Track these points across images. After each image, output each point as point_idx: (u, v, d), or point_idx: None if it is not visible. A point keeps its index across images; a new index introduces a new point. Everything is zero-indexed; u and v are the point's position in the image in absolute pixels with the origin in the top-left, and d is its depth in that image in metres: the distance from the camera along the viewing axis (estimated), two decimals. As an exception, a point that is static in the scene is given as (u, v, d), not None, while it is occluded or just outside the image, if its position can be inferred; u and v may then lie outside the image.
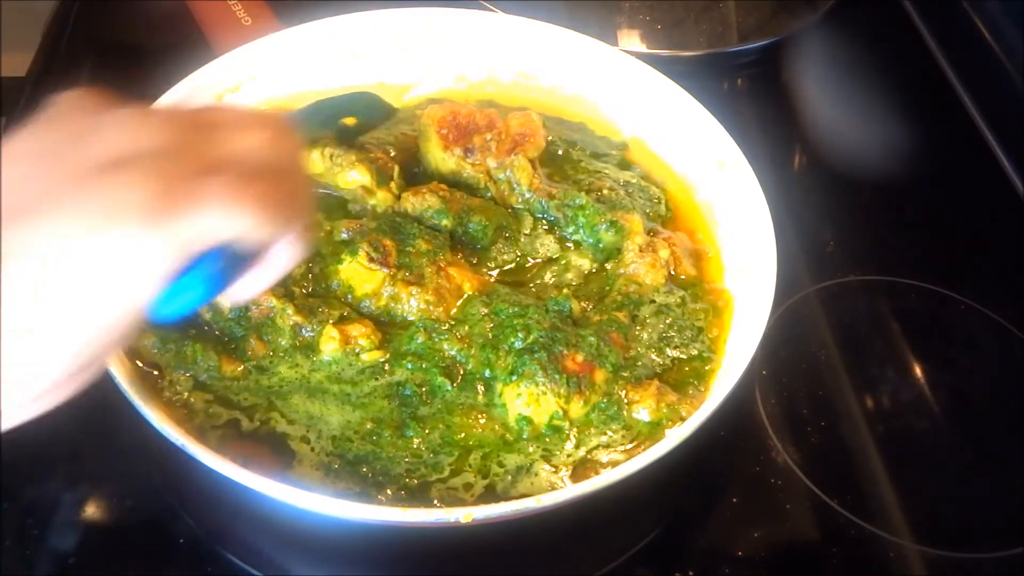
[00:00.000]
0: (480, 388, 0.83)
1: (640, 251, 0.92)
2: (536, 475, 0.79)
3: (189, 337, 0.83)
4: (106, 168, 0.50)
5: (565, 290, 0.90)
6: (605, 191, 0.98)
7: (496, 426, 0.81)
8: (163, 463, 0.82)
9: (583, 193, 0.96)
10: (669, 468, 0.75)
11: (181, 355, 0.81)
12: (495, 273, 0.93)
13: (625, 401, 0.82)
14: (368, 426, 0.80)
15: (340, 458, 0.79)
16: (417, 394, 0.82)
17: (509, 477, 0.79)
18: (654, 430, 0.81)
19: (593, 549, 0.85)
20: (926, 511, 0.89)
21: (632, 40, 1.29)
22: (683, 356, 0.87)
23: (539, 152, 0.98)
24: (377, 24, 1.09)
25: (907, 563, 0.85)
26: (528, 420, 0.80)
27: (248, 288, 0.60)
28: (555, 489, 0.77)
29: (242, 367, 0.83)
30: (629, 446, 0.81)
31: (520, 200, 0.96)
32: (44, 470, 0.86)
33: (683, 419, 0.81)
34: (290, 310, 0.83)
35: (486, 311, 0.85)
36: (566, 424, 0.81)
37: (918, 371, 1.01)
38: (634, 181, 1.02)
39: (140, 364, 0.82)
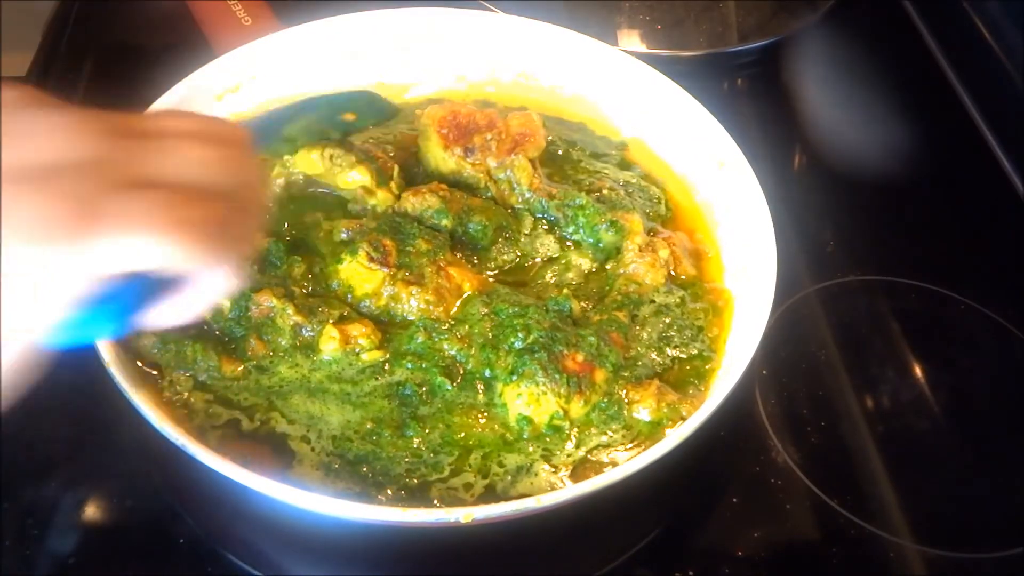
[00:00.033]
0: (480, 388, 0.83)
1: (640, 251, 0.92)
2: (536, 475, 0.79)
3: (189, 337, 0.82)
4: (23, 177, 0.45)
5: (565, 290, 0.90)
6: (605, 191, 0.98)
7: (496, 426, 0.81)
8: (163, 463, 0.82)
9: (583, 193, 0.96)
10: (669, 468, 0.75)
11: (181, 355, 0.81)
12: (495, 273, 0.93)
13: (625, 401, 0.82)
14: (368, 426, 0.80)
15: (340, 458, 0.79)
16: (417, 394, 0.82)
17: (509, 477, 0.79)
18: (654, 430, 0.81)
19: (593, 549, 0.85)
20: (926, 511, 0.89)
21: (632, 40, 1.29)
22: (683, 356, 0.87)
23: (539, 152, 0.98)
24: (377, 24, 1.09)
25: (907, 563, 0.85)
26: (528, 420, 0.80)
27: (163, 318, 0.55)
28: (555, 489, 0.77)
29: (242, 367, 0.83)
30: (629, 446, 0.81)
31: (520, 200, 0.96)
32: (44, 470, 0.86)
33: (683, 419, 0.81)
34: (290, 310, 0.83)
35: (486, 311, 0.85)
36: (566, 424, 0.81)
37: (918, 371, 1.01)
38: (634, 181, 1.02)
39: (140, 364, 0.82)
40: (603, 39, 1.09)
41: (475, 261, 0.93)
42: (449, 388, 0.82)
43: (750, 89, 1.31)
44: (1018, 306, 1.03)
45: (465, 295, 0.88)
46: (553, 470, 0.79)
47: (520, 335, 0.82)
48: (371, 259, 0.86)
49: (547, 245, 0.95)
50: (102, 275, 0.46)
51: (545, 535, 0.79)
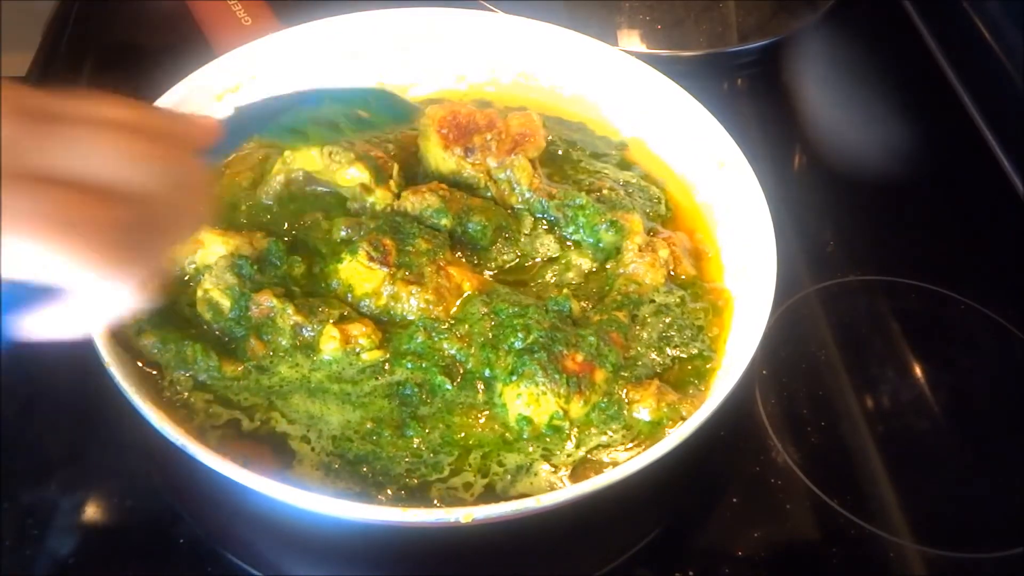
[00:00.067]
0: (480, 387, 0.83)
1: (640, 251, 0.92)
2: (536, 475, 0.79)
3: (189, 337, 0.82)
4: None
5: (565, 290, 0.90)
6: (605, 191, 0.98)
7: (496, 426, 0.81)
8: (163, 463, 0.82)
9: (583, 193, 0.96)
10: (669, 468, 0.75)
11: (181, 355, 0.81)
12: (495, 273, 0.93)
13: (625, 401, 0.82)
14: (368, 426, 0.80)
15: (340, 458, 0.79)
16: (417, 394, 0.82)
17: (509, 477, 0.79)
18: (654, 430, 0.81)
19: (593, 549, 0.85)
20: (926, 511, 0.89)
21: (632, 40, 1.29)
22: (683, 355, 0.87)
23: (539, 152, 0.98)
24: (377, 24, 1.09)
25: (907, 563, 0.85)
26: (528, 420, 0.80)
27: (41, 331, 0.48)
28: (555, 489, 0.77)
29: (242, 367, 0.83)
30: (629, 446, 0.81)
31: (520, 200, 0.96)
32: (44, 470, 0.86)
33: (684, 418, 0.81)
34: (290, 310, 0.83)
35: (486, 310, 0.85)
36: (566, 424, 0.81)
37: (918, 371, 1.01)
38: (634, 181, 1.02)
39: (140, 364, 0.82)
40: (603, 39, 1.09)
41: (475, 261, 0.93)
42: (449, 388, 0.82)
43: (750, 89, 1.31)
44: (1018, 306, 1.03)
45: (465, 295, 0.88)
46: (553, 470, 0.79)
47: (520, 335, 0.82)
48: (371, 258, 0.86)
49: (547, 245, 0.95)
50: None
51: (545, 535, 0.79)
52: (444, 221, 0.92)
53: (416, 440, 0.80)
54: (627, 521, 0.85)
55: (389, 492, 0.77)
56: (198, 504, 0.83)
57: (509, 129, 0.98)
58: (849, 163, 1.16)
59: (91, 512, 0.84)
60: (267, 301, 0.83)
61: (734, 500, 0.89)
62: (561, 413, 0.80)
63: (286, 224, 0.93)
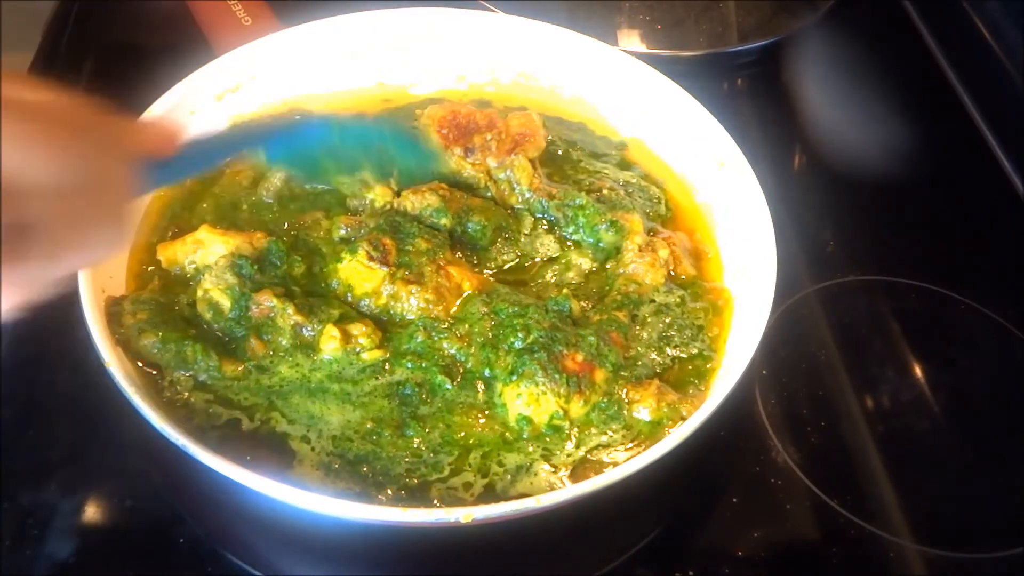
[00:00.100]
0: (480, 387, 0.83)
1: (640, 251, 0.92)
2: (536, 475, 0.79)
3: (189, 337, 0.82)
4: None
5: (565, 290, 0.90)
6: (605, 191, 0.98)
7: (496, 425, 0.81)
8: (163, 463, 0.82)
9: (583, 193, 0.96)
10: (669, 468, 0.75)
11: (181, 355, 0.81)
12: (495, 273, 0.93)
13: (625, 401, 0.82)
14: (368, 426, 0.80)
15: (340, 458, 0.79)
16: (417, 393, 0.82)
17: (509, 476, 0.79)
18: (655, 429, 0.81)
19: (593, 549, 0.85)
20: (926, 511, 0.89)
21: (632, 40, 1.29)
22: (683, 355, 0.87)
23: (539, 152, 0.98)
24: (377, 24, 1.09)
25: (907, 563, 0.85)
26: (528, 420, 0.80)
27: None
28: (554, 489, 0.77)
29: (242, 367, 0.83)
30: (629, 446, 0.81)
31: (520, 200, 0.96)
32: (44, 470, 0.86)
33: (684, 418, 0.81)
34: (290, 309, 0.83)
35: (486, 310, 0.85)
36: (566, 424, 0.81)
37: (918, 371, 1.01)
38: (634, 181, 1.02)
39: (140, 364, 0.82)
40: (603, 39, 1.09)
41: (475, 261, 0.93)
42: (449, 387, 0.82)
43: (750, 89, 1.31)
44: (1018, 306, 1.03)
45: (465, 294, 0.88)
46: (553, 470, 0.79)
47: (520, 335, 0.82)
48: (371, 258, 0.86)
49: (547, 245, 0.95)
50: None
51: (545, 535, 0.79)
52: (444, 221, 0.92)
53: (416, 440, 0.80)
54: (627, 521, 0.85)
55: (389, 492, 0.77)
56: (198, 504, 0.83)
57: (509, 129, 0.98)
58: (849, 163, 1.16)
59: (91, 512, 0.84)
60: (267, 301, 0.83)
61: (734, 500, 0.89)
62: (561, 413, 0.80)
63: (286, 224, 0.93)
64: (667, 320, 0.89)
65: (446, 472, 0.79)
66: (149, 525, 0.84)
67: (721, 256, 0.96)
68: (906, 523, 0.88)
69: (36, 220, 0.39)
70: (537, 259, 0.95)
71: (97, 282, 0.82)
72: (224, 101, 1.03)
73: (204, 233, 0.87)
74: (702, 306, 0.91)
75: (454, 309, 0.87)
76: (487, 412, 0.82)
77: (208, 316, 0.84)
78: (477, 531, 0.72)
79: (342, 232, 0.90)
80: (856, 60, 1.29)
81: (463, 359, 0.84)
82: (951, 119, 1.27)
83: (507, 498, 0.76)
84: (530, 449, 0.80)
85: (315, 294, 0.87)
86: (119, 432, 0.85)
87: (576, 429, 0.81)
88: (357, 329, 0.84)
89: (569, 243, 0.96)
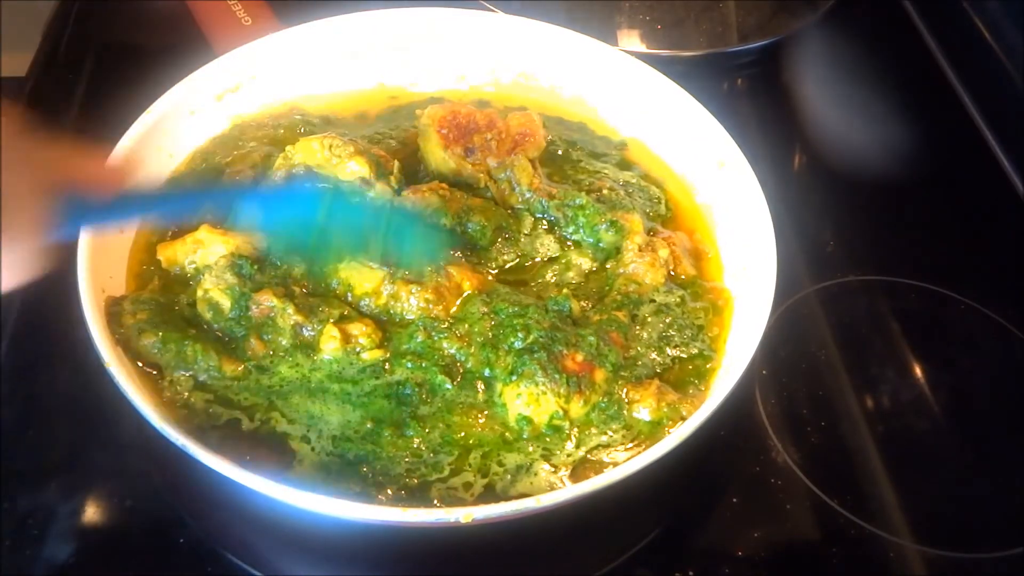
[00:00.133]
0: (480, 387, 0.83)
1: (640, 250, 0.92)
2: (536, 475, 0.79)
3: (189, 337, 0.82)
4: None
5: (565, 290, 0.90)
6: (605, 191, 0.98)
7: (496, 425, 0.81)
8: (163, 463, 0.82)
9: (583, 193, 0.96)
10: (669, 468, 0.75)
11: (181, 355, 0.81)
12: (495, 272, 0.93)
13: (625, 400, 0.82)
14: (368, 425, 0.80)
15: (340, 458, 0.79)
16: (417, 393, 0.82)
17: (509, 476, 0.79)
18: (655, 429, 0.81)
19: (593, 549, 0.85)
20: (926, 511, 0.89)
21: (632, 40, 1.29)
22: (683, 355, 0.87)
23: (539, 152, 0.98)
24: (377, 24, 1.09)
25: (907, 563, 0.85)
26: (528, 420, 0.80)
27: None
28: (554, 489, 0.77)
29: (242, 367, 0.83)
30: (629, 446, 0.81)
31: (520, 200, 0.96)
32: (44, 471, 0.86)
33: (684, 418, 0.81)
34: (290, 309, 0.83)
35: (486, 310, 0.85)
36: (566, 424, 0.81)
37: (918, 371, 1.01)
38: (634, 181, 1.02)
39: (140, 364, 0.82)
40: (603, 39, 1.09)
41: (475, 261, 0.93)
42: (449, 387, 0.82)
43: (750, 89, 1.31)
44: (1018, 306, 1.03)
45: (465, 294, 0.88)
46: (553, 470, 0.79)
47: (520, 335, 0.82)
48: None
49: (547, 245, 0.95)
50: None
51: (545, 535, 0.79)
52: (444, 220, 0.92)
53: (416, 440, 0.80)
54: (627, 521, 0.85)
55: (389, 492, 0.77)
56: (198, 504, 0.83)
57: (509, 129, 0.98)
58: (849, 163, 1.16)
59: (91, 512, 0.84)
60: (267, 301, 0.83)
61: (734, 500, 0.89)
62: (561, 413, 0.80)
63: (286, 224, 0.93)
64: (667, 320, 0.89)
65: (446, 472, 0.79)
66: (149, 525, 0.84)
67: (721, 256, 0.96)
68: (906, 523, 0.88)
69: None
70: (537, 259, 0.94)
71: (97, 282, 0.82)
72: (224, 101, 1.03)
73: (204, 233, 0.87)
74: (702, 306, 0.91)
75: (454, 309, 0.87)
76: (487, 412, 0.82)
77: (208, 316, 0.84)
78: (477, 531, 0.72)
79: (342, 232, 0.90)
80: (856, 60, 1.29)
81: (463, 359, 0.84)
82: (951, 119, 1.27)
83: (507, 498, 0.76)
84: (530, 449, 0.80)
85: (315, 294, 0.87)
86: (119, 432, 0.85)
87: (576, 429, 0.81)
88: (357, 329, 0.84)
89: (569, 243, 0.95)
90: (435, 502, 0.77)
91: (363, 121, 1.08)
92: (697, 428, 0.76)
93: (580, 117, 1.10)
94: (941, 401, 0.98)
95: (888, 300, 1.06)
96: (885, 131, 1.21)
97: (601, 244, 0.94)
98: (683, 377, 0.86)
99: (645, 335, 0.88)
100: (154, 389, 0.81)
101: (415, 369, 0.83)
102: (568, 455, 0.80)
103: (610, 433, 0.81)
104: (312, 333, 0.83)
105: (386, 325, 0.86)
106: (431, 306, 0.86)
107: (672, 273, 0.93)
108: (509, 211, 0.96)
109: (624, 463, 0.74)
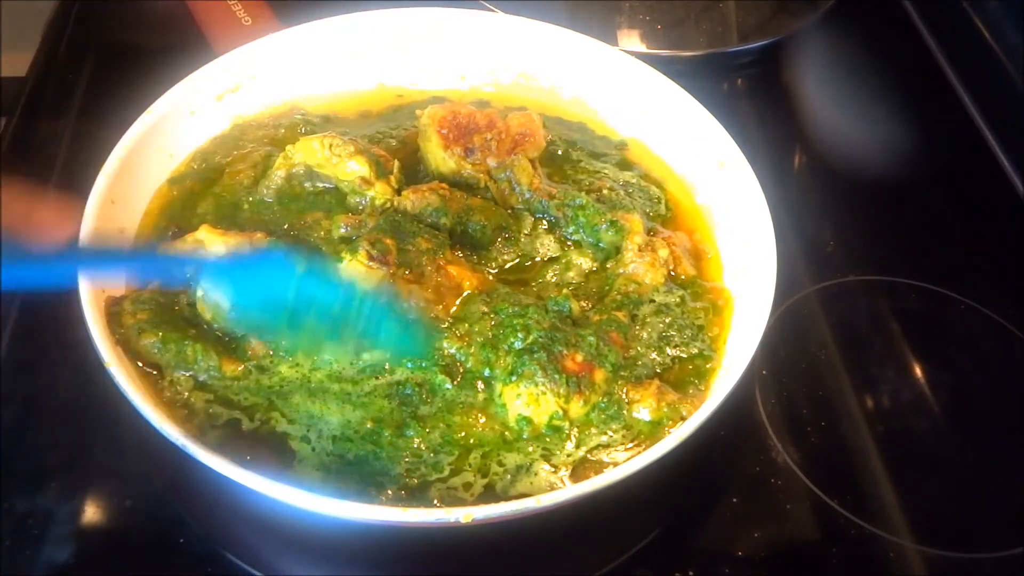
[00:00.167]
0: (480, 387, 0.83)
1: (639, 250, 0.92)
2: (536, 475, 0.79)
3: (189, 337, 0.82)
4: None
5: (565, 290, 0.90)
6: (605, 191, 0.98)
7: (496, 425, 0.81)
8: (163, 463, 0.82)
9: (583, 193, 0.96)
10: (669, 468, 0.75)
11: (181, 355, 0.81)
12: (495, 272, 0.93)
13: (625, 400, 0.82)
14: (368, 426, 0.80)
15: (340, 458, 0.79)
16: (417, 393, 0.82)
17: (508, 476, 0.79)
18: (655, 429, 0.81)
19: (593, 549, 0.85)
20: (926, 511, 0.89)
21: (632, 40, 1.29)
22: (683, 355, 0.87)
23: (539, 152, 0.98)
24: (377, 24, 1.09)
25: (907, 563, 0.85)
26: (528, 420, 0.80)
27: None
28: (554, 489, 0.77)
29: (242, 367, 0.83)
30: (629, 446, 0.81)
31: (520, 200, 0.96)
32: (44, 471, 0.86)
33: (684, 418, 0.81)
34: (290, 310, 0.83)
35: (486, 310, 0.85)
36: (566, 424, 0.81)
37: (918, 371, 1.01)
38: (634, 181, 1.02)
39: (140, 364, 0.82)
40: (603, 39, 1.09)
41: (475, 261, 0.93)
42: (449, 387, 0.82)
43: (750, 89, 1.31)
44: (1018, 306, 1.03)
45: (465, 294, 0.88)
46: (553, 470, 0.79)
47: (520, 335, 0.82)
48: (371, 257, 0.86)
49: (547, 245, 0.95)
50: None
51: (545, 535, 0.79)
52: (444, 220, 0.92)
53: (416, 440, 0.80)
54: (627, 521, 0.85)
55: (389, 492, 0.77)
56: (198, 504, 0.83)
57: (509, 129, 0.98)
58: (849, 163, 1.16)
59: (91, 513, 0.84)
60: (267, 301, 0.83)
61: (734, 500, 0.89)
62: (561, 413, 0.80)
63: (286, 224, 0.93)
64: (667, 320, 0.89)
65: (446, 472, 0.79)
66: (149, 525, 0.84)
67: (721, 256, 0.96)
68: (906, 523, 0.88)
69: None
70: (537, 259, 0.94)
71: (97, 282, 0.82)
72: (224, 101, 1.03)
73: (204, 233, 0.87)
74: (702, 306, 0.91)
75: (454, 309, 0.87)
76: (487, 412, 0.82)
77: (208, 316, 0.84)
78: (477, 531, 0.72)
79: (342, 231, 0.90)
80: (856, 60, 1.29)
81: (463, 359, 0.84)
82: (951, 119, 1.27)
83: (507, 498, 0.76)
84: (530, 449, 0.80)
85: (315, 294, 0.87)
86: (119, 432, 0.85)
87: (576, 429, 0.81)
88: (357, 329, 0.83)
89: (569, 243, 0.95)
90: (435, 502, 0.77)
91: (364, 120, 1.08)
92: (697, 428, 0.76)
93: (580, 117, 1.10)
94: (941, 401, 0.98)
95: (888, 300, 1.06)
96: (885, 131, 1.21)
97: (601, 244, 0.94)
98: (683, 377, 0.86)
99: (645, 335, 0.88)
100: (154, 389, 0.81)
101: (415, 369, 0.83)
102: (568, 455, 0.80)
103: (610, 433, 0.81)
104: (312, 333, 0.83)
105: (386, 325, 0.86)
106: (431, 306, 0.86)
107: (672, 273, 0.93)
108: (509, 211, 0.96)
109: (624, 463, 0.74)
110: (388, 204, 0.93)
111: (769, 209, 0.91)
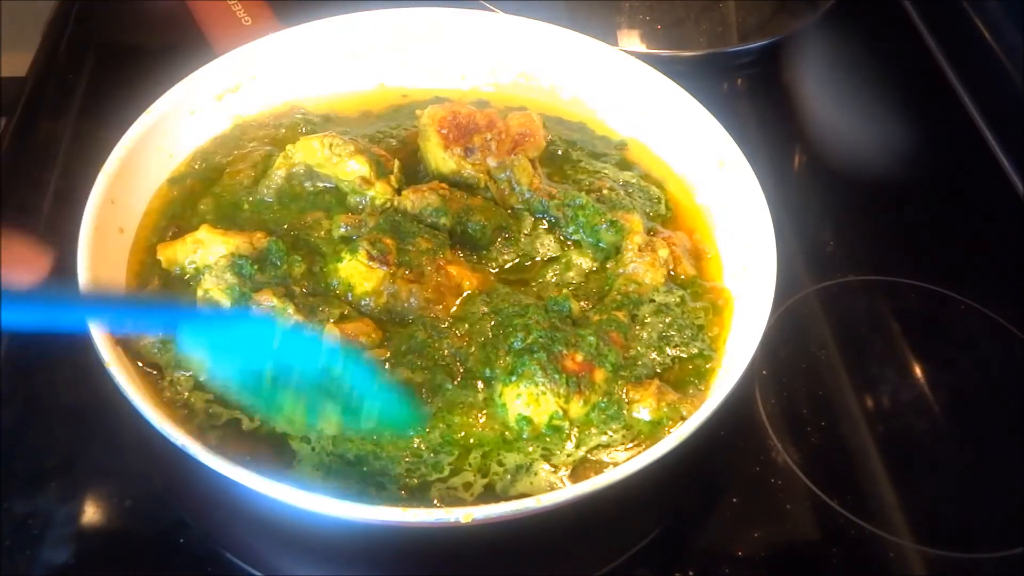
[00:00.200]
0: (480, 387, 0.83)
1: (639, 250, 0.92)
2: (536, 474, 0.79)
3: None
4: None
5: (565, 290, 0.90)
6: (605, 191, 0.98)
7: (496, 425, 0.81)
8: (163, 463, 0.82)
9: (583, 193, 0.96)
10: (669, 468, 0.75)
11: (181, 355, 0.81)
12: (496, 272, 0.93)
13: (625, 400, 0.82)
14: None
15: (340, 458, 0.78)
16: (417, 393, 0.82)
17: (508, 476, 0.79)
18: (655, 429, 0.81)
19: (593, 549, 0.85)
20: (926, 511, 0.89)
21: (632, 40, 1.29)
22: (683, 355, 0.87)
23: (539, 152, 0.98)
24: (377, 24, 1.09)
25: (907, 563, 0.85)
26: (528, 420, 0.80)
27: None
28: (554, 488, 0.77)
29: (242, 367, 0.82)
30: (629, 446, 0.81)
31: (520, 200, 0.96)
32: (44, 471, 0.86)
33: (684, 418, 0.81)
34: (290, 309, 0.83)
35: (486, 310, 0.85)
36: (566, 424, 0.81)
37: (918, 371, 1.01)
38: (634, 181, 1.02)
39: (140, 364, 0.82)
40: (603, 39, 1.09)
41: (475, 261, 0.93)
42: (449, 387, 0.82)
43: (750, 89, 1.31)
44: (1018, 306, 1.03)
45: (465, 294, 0.88)
46: (553, 470, 0.79)
47: (520, 335, 0.82)
48: (371, 257, 0.86)
49: (547, 245, 0.95)
50: None
51: (545, 535, 0.79)
52: (444, 220, 0.92)
53: (416, 440, 0.80)
54: (627, 521, 0.85)
55: (389, 492, 0.77)
56: (198, 504, 0.83)
57: (509, 129, 0.98)
58: (849, 163, 1.16)
59: (91, 513, 0.84)
60: (267, 301, 0.83)
61: (734, 500, 0.89)
62: (561, 413, 0.80)
63: (287, 223, 0.93)
64: (667, 320, 0.89)
65: (446, 472, 0.79)
66: (149, 526, 0.84)
67: (721, 256, 0.96)
68: (906, 523, 0.88)
69: None
70: (537, 259, 0.94)
71: (97, 282, 0.82)
72: (224, 101, 1.03)
73: (204, 233, 0.87)
74: (702, 306, 0.91)
75: (454, 309, 0.87)
76: (487, 412, 0.82)
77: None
78: (477, 531, 0.72)
79: (342, 230, 0.90)
80: (856, 60, 1.29)
81: (463, 359, 0.84)
82: (951, 119, 1.27)
83: (507, 498, 0.76)
84: (530, 449, 0.80)
85: (315, 294, 0.87)
86: (119, 432, 0.85)
87: (576, 429, 0.81)
88: (357, 329, 0.83)
89: (569, 243, 0.96)
90: (435, 502, 0.77)
91: (365, 119, 1.08)
92: (697, 428, 0.76)
93: (580, 117, 1.10)
94: (941, 401, 0.98)
95: (888, 300, 1.06)
96: (885, 131, 1.21)
97: (601, 244, 0.94)
98: (683, 377, 0.86)
99: (645, 335, 0.87)
100: (154, 389, 0.80)
101: (415, 369, 0.83)
102: (568, 455, 0.80)
103: (610, 433, 0.81)
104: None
105: (386, 325, 0.86)
106: (431, 305, 0.86)
107: (672, 273, 0.93)
108: (509, 211, 0.96)
109: (624, 463, 0.74)
110: (388, 204, 0.93)
111: (769, 209, 0.91)
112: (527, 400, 0.80)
